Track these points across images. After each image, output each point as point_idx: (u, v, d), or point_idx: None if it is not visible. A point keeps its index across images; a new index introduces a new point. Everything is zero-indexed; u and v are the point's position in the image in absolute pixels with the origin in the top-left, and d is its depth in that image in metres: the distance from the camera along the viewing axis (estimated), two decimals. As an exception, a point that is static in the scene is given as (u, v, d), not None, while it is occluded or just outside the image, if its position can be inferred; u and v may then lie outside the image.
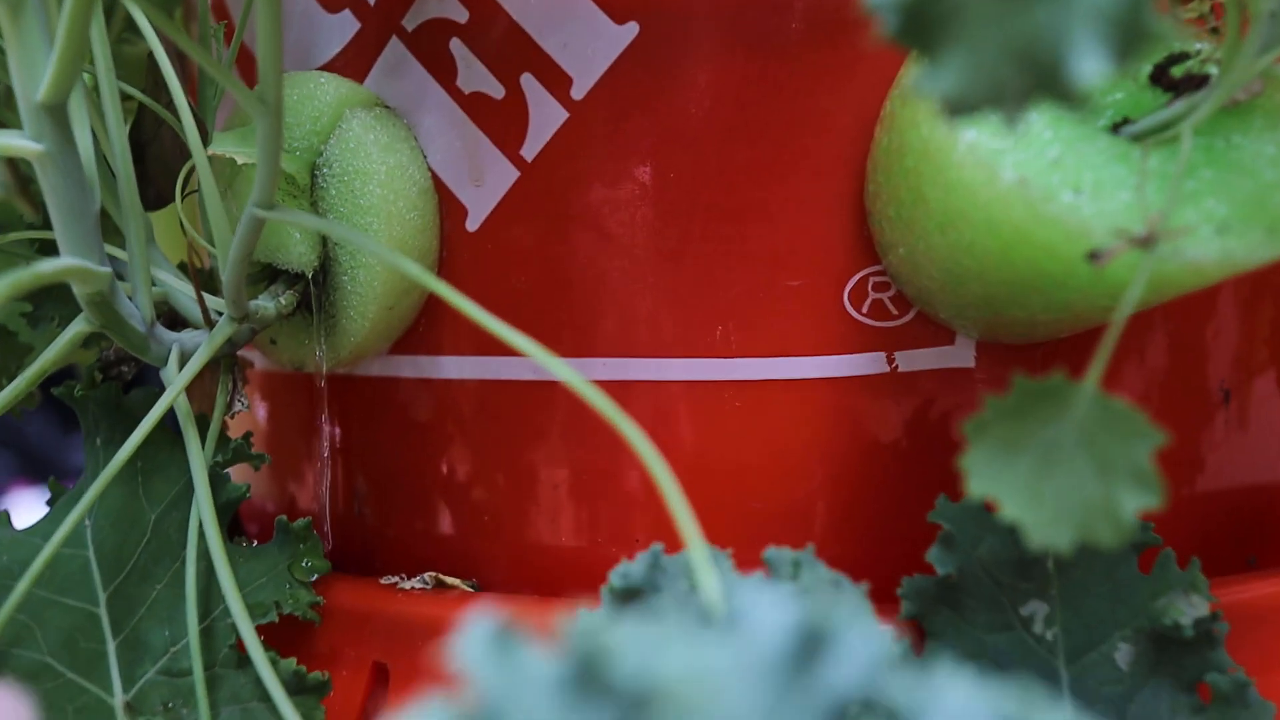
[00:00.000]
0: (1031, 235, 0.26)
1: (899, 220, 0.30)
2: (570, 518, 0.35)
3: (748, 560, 0.31)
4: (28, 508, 1.50)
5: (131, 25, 0.43)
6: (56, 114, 0.29)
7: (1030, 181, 0.26)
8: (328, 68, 0.36)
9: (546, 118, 0.33)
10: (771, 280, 0.33)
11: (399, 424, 0.37)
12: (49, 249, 0.38)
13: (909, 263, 0.31)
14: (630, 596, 0.27)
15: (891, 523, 0.34)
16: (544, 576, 0.36)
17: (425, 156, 0.35)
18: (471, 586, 0.36)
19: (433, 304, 0.36)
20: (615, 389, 0.34)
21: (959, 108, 0.20)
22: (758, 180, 0.32)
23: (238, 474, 0.45)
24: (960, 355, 0.33)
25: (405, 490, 0.37)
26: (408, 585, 0.35)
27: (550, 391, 0.35)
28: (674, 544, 0.34)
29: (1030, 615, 0.29)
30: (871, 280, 0.32)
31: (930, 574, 0.30)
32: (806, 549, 0.27)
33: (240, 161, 0.32)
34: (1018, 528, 0.22)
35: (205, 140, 0.33)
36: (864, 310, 0.32)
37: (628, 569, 0.27)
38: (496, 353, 0.35)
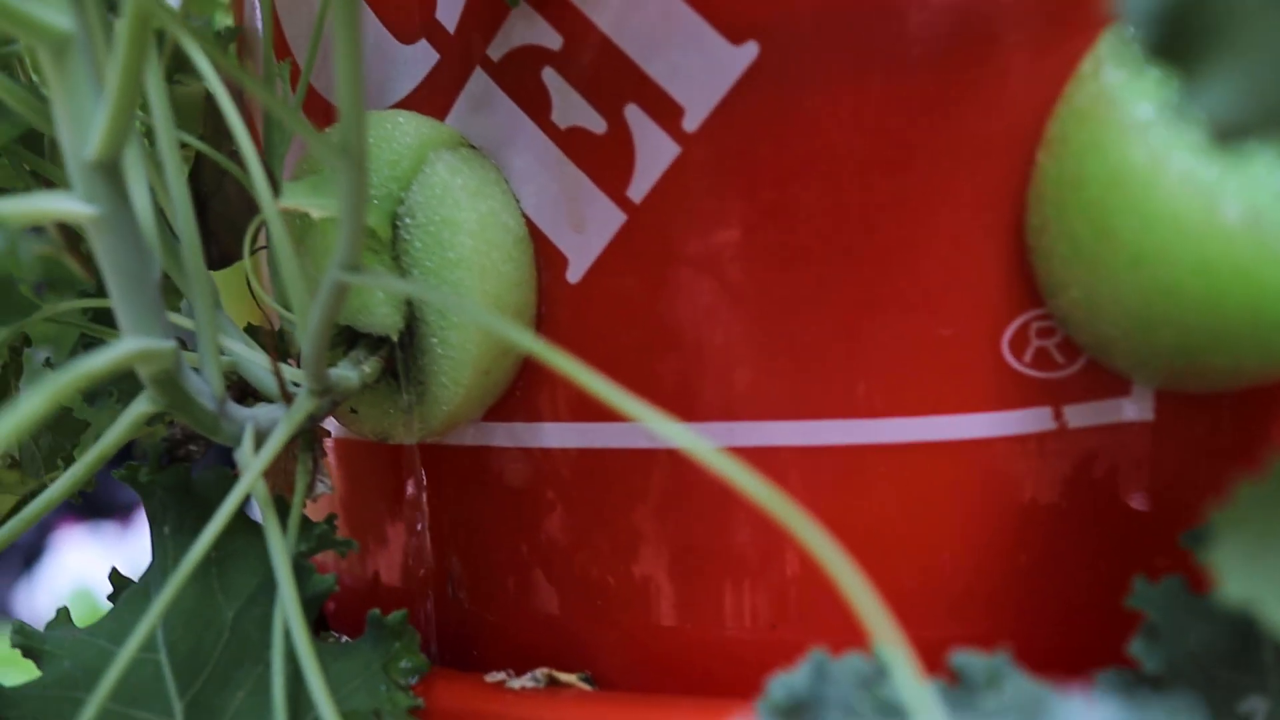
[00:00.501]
0: (1256, 277, 0.22)
1: (1074, 258, 0.26)
2: (693, 600, 0.31)
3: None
4: (76, 544, 1.48)
5: (181, 63, 0.40)
6: (110, 172, 0.25)
7: (1262, 214, 0.22)
8: (404, 105, 0.33)
9: (655, 153, 0.29)
10: (920, 329, 0.29)
11: (495, 497, 0.33)
12: (102, 315, 0.35)
13: (1085, 305, 0.27)
14: (794, 713, 0.23)
15: (1054, 600, 0.30)
16: (666, 665, 0.32)
17: (519, 201, 0.31)
18: (585, 680, 0.32)
19: (531, 365, 0.32)
20: (738, 456, 0.30)
21: (1234, 132, 0.16)
22: (901, 216, 0.28)
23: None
24: (1138, 407, 0.29)
25: (505, 570, 0.34)
26: (517, 684, 0.31)
27: (666, 460, 0.31)
28: (817, 631, 0.30)
29: (1249, 713, 0.25)
30: (1034, 326, 0.28)
31: (1115, 661, 0.26)
32: (1000, 654, 0.23)
33: (315, 215, 0.29)
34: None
35: (275, 192, 0.30)
36: (1026, 360, 0.28)
37: (790, 680, 0.23)
38: (604, 418, 0.31)
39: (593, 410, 0.31)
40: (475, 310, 0.26)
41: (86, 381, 0.24)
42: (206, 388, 0.29)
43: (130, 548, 1.45)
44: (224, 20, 0.46)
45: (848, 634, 0.30)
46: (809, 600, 0.31)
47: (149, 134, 0.34)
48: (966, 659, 0.23)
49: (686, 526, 0.31)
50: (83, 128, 0.25)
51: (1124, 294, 0.25)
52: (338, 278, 0.26)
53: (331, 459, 0.38)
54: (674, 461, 0.31)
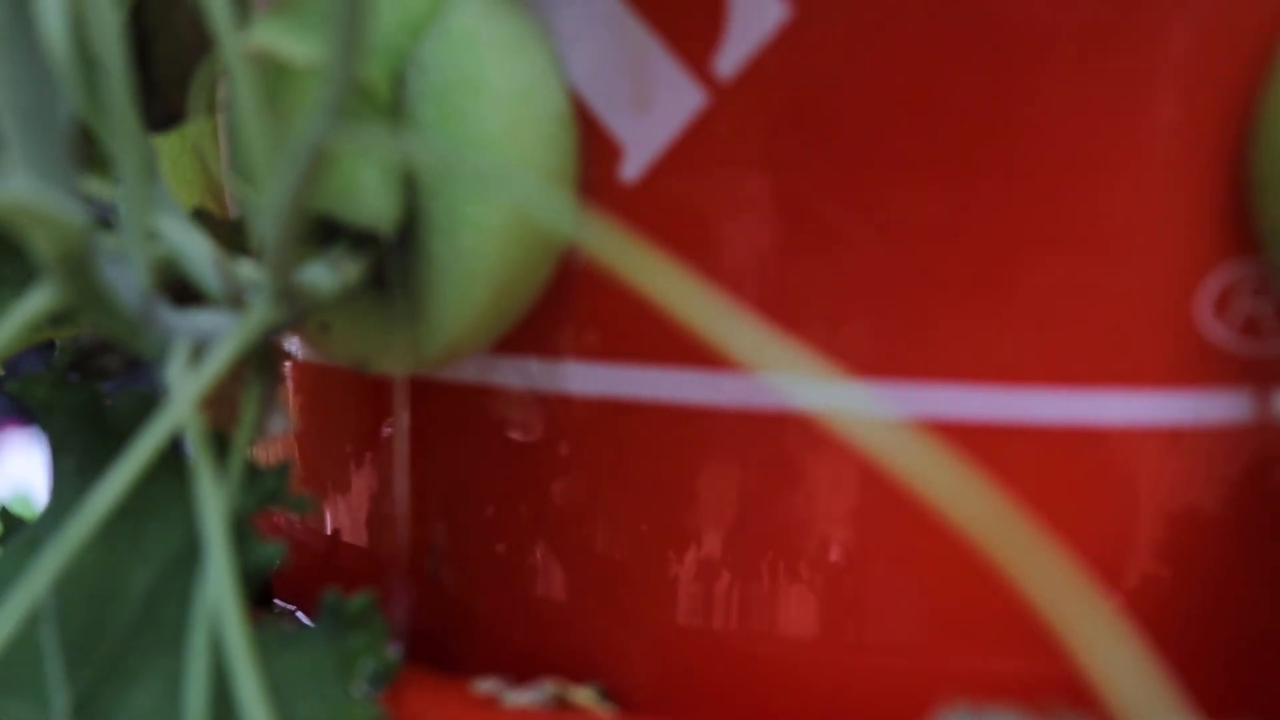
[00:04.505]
0: None
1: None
2: (745, 597, 0.24)
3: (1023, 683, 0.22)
4: (20, 447, 1.41)
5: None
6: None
7: None
8: (418, -67, 0.25)
9: (756, 11, 0.22)
10: (1088, 275, 0.22)
11: (496, 453, 0.26)
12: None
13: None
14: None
15: (1219, 634, 0.23)
16: (701, 679, 0.25)
17: (564, 68, 0.24)
18: (600, 696, 0.25)
19: (559, 285, 0.25)
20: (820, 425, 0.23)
21: None
22: (1079, 117, 0.21)
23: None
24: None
25: (501, 546, 0.26)
26: (517, 700, 0.24)
27: (726, 422, 0.24)
28: (906, 646, 0.24)
29: None
30: (1246, 283, 0.21)
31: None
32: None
33: (296, 61, 0.21)
34: None
35: (243, 25, 0.22)
36: (1232, 326, 0.21)
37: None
38: (645, 361, 0.24)
39: (634, 347, 0.24)
40: (521, 185, 0.19)
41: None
42: (129, 279, 0.21)
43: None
44: None
45: (947, 653, 0.24)
46: (897, 612, 0.24)
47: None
48: None
49: (756, 508, 0.24)
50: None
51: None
52: (318, 135, 0.19)
53: (290, 388, 0.31)
54: (741, 423, 0.24)
